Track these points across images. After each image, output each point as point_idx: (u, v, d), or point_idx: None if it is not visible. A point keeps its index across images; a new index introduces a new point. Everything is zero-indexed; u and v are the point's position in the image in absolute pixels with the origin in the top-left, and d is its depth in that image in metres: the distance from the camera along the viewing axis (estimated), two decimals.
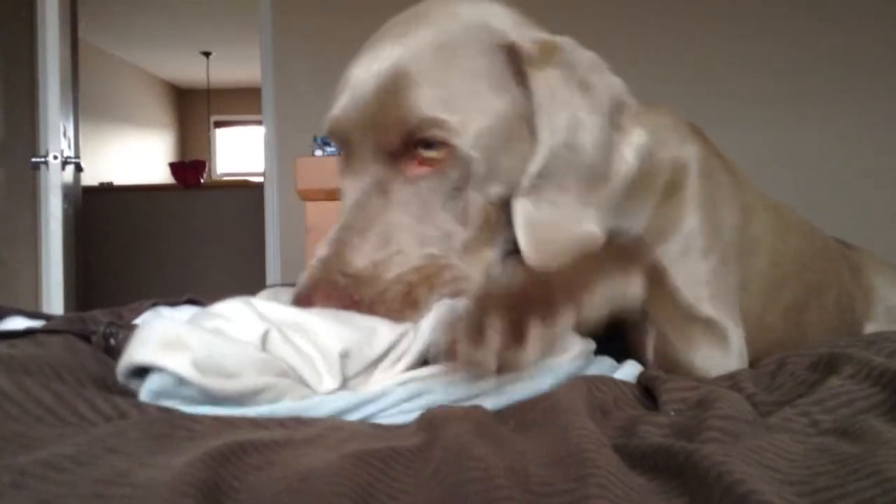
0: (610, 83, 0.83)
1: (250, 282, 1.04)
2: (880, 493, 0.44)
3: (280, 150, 3.58)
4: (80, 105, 3.68)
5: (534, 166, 0.78)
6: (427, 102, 0.75)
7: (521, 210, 0.78)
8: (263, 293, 1.00)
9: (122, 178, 7.02)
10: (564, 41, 0.82)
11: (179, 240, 5.44)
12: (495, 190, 0.78)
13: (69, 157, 3.14)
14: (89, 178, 5.31)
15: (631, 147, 0.82)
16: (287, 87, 3.57)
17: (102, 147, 7.15)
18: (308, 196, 2.10)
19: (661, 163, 0.91)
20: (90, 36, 6.24)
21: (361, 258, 0.75)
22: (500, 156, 0.78)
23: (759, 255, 1.03)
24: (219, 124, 9.43)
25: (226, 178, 8.94)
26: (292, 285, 1.13)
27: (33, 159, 3.04)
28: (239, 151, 9.42)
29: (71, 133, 3.31)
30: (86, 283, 4.13)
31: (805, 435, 0.58)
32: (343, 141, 0.81)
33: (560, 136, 0.78)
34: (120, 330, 0.84)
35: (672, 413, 0.64)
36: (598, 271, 0.76)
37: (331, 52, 3.64)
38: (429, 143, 0.76)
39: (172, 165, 6.86)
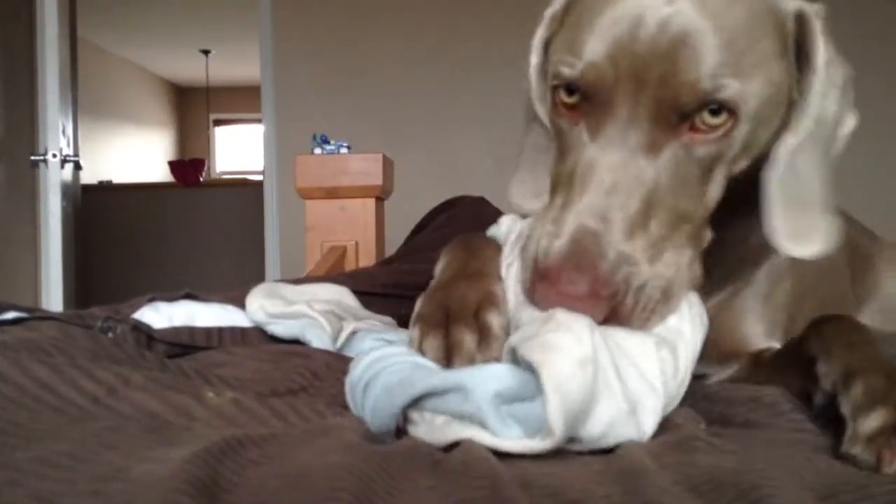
0: (845, 64, 0.77)
1: (250, 280, 1.04)
2: None
3: (279, 149, 3.58)
4: (79, 103, 3.67)
5: (795, 138, 0.72)
6: (722, 64, 0.65)
7: (778, 187, 0.73)
8: (260, 288, 1.00)
9: (121, 176, 7.02)
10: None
11: (179, 238, 5.43)
12: (741, 163, 0.72)
13: (68, 156, 3.14)
14: (88, 177, 5.29)
15: (848, 126, 0.78)
16: (286, 85, 3.57)
17: (102, 145, 7.14)
18: (307, 194, 2.09)
19: None
20: (89, 34, 6.22)
21: (630, 236, 0.64)
22: (764, 127, 0.71)
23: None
24: (218, 122, 9.41)
25: (225, 177, 8.92)
26: (288, 282, 1.14)
27: (32, 157, 3.04)
28: (238, 150, 9.41)
29: (70, 131, 3.30)
30: (85, 281, 4.12)
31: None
32: (604, 89, 0.67)
33: (816, 106, 0.73)
34: (118, 324, 0.84)
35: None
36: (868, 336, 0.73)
37: (331, 51, 3.65)
38: (715, 110, 0.67)
39: (172, 164, 6.86)
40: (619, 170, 0.66)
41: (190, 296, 1.00)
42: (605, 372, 0.55)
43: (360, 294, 1.10)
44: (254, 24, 3.79)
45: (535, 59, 0.82)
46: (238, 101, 8.96)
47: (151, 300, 0.99)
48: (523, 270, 0.68)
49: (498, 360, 0.64)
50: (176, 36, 7.27)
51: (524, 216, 0.83)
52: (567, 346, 0.54)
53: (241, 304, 0.98)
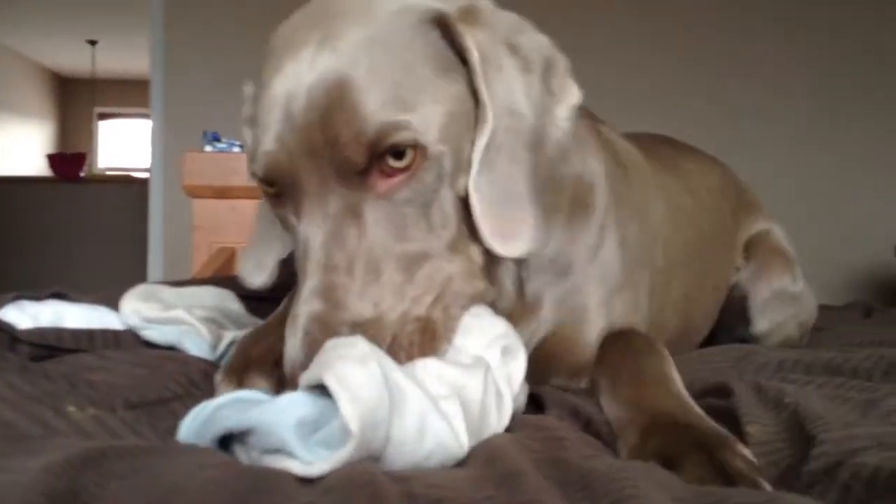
0: (538, 42, 0.76)
1: (131, 279, 0.98)
2: None
3: (167, 145, 3.45)
4: None
5: (483, 138, 0.70)
6: (382, 106, 0.65)
7: (476, 189, 0.70)
8: (135, 290, 0.94)
9: None
10: (482, 2, 0.75)
11: (56, 235, 5.22)
12: (462, 180, 0.71)
13: None
14: None
15: (564, 107, 0.76)
16: (177, 79, 3.45)
17: None
18: (195, 193, 2.03)
19: (564, 178, 0.87)
20: None
21: (360, 302, 0.63)
22: (462, 141, 0.70)
23: (656, 251, 1.02)
24: (103, 116, 9.09)
25: (109, 173, 8.59)
26: (170, 283, 1.08)
27: None
28: (124, 145, 9.09)
29: None
30: None
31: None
32: (287, 174, 0.67)
33: (501, 101, 0.71)
34: None
35: None
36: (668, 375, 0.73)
37: (224, 44, 3.55)
38: (396, 150, 0.66)
39: (51, 157, 6.60)
40: (330, 244, 0.65)
41: (58, 295, 0.94)
42: (392, 372, 0.55)
43: (247, 298, 1.06)
44: (144, 14, 3.65)
45: (248, 139, 0.79)
46: (125, 94, 8.70)
47: (16, 299, 0.92)
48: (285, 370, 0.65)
49: None
50: (61, 24, 6.96)
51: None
52: (343, 353, 0.55)
53: (114, 306, 0.93)
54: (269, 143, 0.67)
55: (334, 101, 0.64)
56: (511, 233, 0.71)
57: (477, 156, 0.70)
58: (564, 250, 0.87)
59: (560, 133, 0.75)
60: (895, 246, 2.97)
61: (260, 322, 0.87)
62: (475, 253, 0.72)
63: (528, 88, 0.73)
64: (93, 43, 7.52)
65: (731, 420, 0.65)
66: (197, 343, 0.85)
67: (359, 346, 0.56)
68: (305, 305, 0.63)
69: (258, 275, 0.85)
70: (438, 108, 0.67)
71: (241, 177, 1.99)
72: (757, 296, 1.26)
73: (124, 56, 7.72)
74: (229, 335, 0.89)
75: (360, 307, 0.63)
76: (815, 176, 3.42)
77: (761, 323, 1.25)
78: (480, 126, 0.71)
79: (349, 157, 0.64)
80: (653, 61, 3.36)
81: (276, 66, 0.68)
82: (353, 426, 0.50)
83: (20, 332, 0.83)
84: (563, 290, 0.87)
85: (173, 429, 0.56)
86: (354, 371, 0.52)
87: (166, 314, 0.88)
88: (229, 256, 1.97)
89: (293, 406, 0.53)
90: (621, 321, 0.88)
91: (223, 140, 2.44)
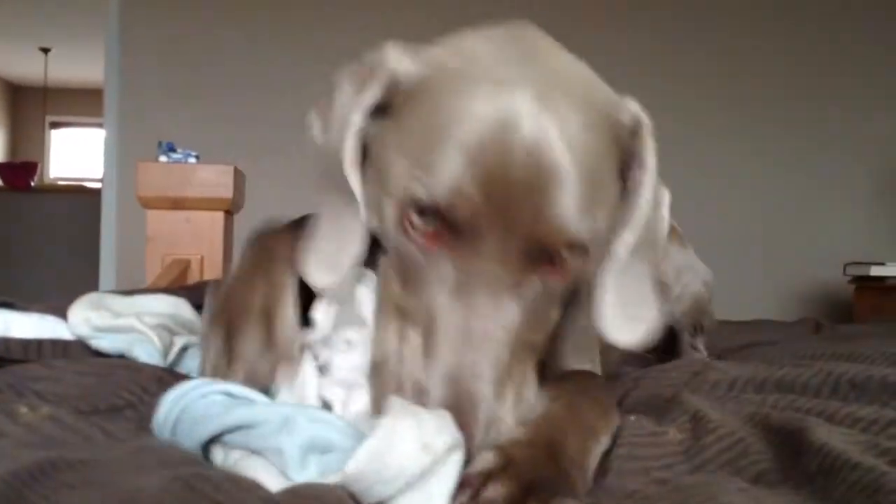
0: None
1: (83, 291, 0.95)
2: None
3: (121, 155, 3.39)
4: None
5: (632, 236, 0.71)
6: (584, 201, 0.62)
7: (614, 279, 0.71)
8: (85, 298, 0.92)
9: None
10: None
11: (4, 245, 5.08)
12: None
13: None
14: None
15: (665, 207, 0.78)
16: (132, 88, 3.39)
17: None
18: (149, 204, 1.99)
19: None
20: None
21: (497, 396, 0.60)
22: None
23: None
24: (55, 125, 8.90)
25: (60, 183, 8.41)
26: (118, 293, 1.06)
27: None
28: (76, 155, 8.90)
29: None
30: None
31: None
32: (467, 222, 0.61)
33: (649, 206, 0.72)
34: None
35: None
36: (594, 430, 0.69)
37: (181, 53, 3.50)
38: (573, 247, 0.63)
39: (0, 166, 6.42)
40: (489, 315, 0.61)
41: (5, 304, 0.91)
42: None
43: (201, 308, 1.04)
44: (99, 22, 3.60)
45: (357, 118, 0.69)
46: (78, 103, 8.52)
47: None
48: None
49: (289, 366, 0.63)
50: (12, 31, 6.81)
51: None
52: (423, 417, 0.53)
53: (63, 316, 0.91)
54: (465, 175, 0.60)
55: (554, 177, 0.61)
56: (631, 325, 0.73)
57: (624, 254, 0.71)
58: None
59: (665, 230, 0.78)
60: (844, 264, 3.04)
61: None
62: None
63: (660, 195, 0.75)
64: (46, 51, 7.38)
65: None
66: (147, 350, 0.83)
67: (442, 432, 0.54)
68: (448, 370, 0.59)
69: (328, 274, 0.75)
70: (607, 215, 0.67)
71: (198, 188, 1.96)
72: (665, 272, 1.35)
73: (77, 64, 7.57)
74: (181, 340, 0.87)
75: (498, 398, 0.60)
76: (767, 195, 3.50)
77: (674, 289, 1.35)
78: (631, 225, 0.71)
79: (549, 237, 0.62)
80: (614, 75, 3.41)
81: (469, 89, 0.63)
82: (353, 466, 0.49)
83: None
84: None
85: (126, 434, 0.55)
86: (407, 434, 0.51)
87: (117, 322, 0.86)
88: (183, 268, 1.94)
89: (302, 426, 0.53)
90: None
91: (178, 150, 2.40)
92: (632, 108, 0.72)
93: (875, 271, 2.90)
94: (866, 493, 0.50)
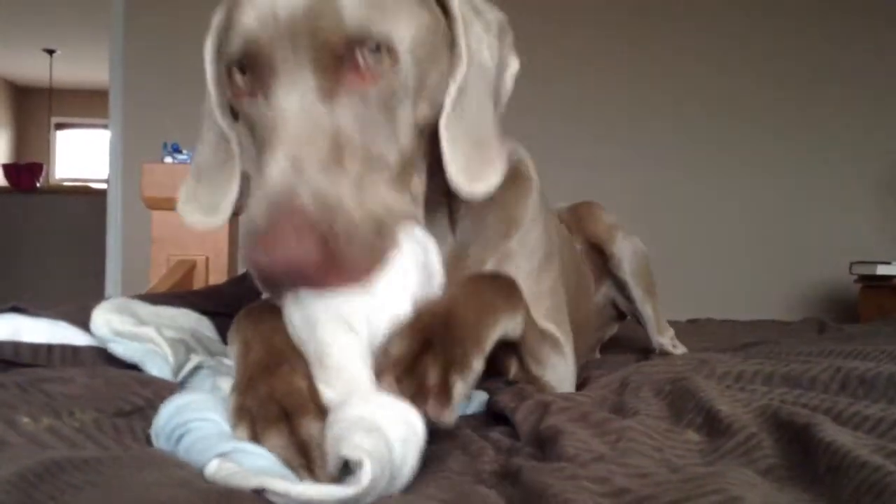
0: (494, 12, 0.84)
1: (88, 292, 0.95)
2: None
3: (126, 156, 3.40)
4: None
5: (457, 80, 0.77)
6: (364, 9, 0.69)
7: (446, 127, 0.77)
8: (111, 301, 0.92)
9: None
10: None
11: (10, 246, 5.08)
12: (422, 109, 0.75)
13: None
14: None
15: (511, 73, 0.84)
16: (136, 89, 3.40)
17: None
18: (154, 205, 2.00)
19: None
20: None
21: (324, 176, 0.64)
22: (429, 70, 0.75)
23: (563, 250, 1.13)
24: (60, 126, 8.92)
25: (66, 184, 8.42)
26: (143, 299, 1.05)
27: None
28: (81, 156, 8.92)
29: None
30: None
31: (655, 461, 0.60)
32: (264, 53, 0.70)
33: (473, 51, 0.79)
34: None
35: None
36: (493, 306, 0.74)
37: (184, 55, 3.50)
38: (373, 49, 0.70)
39: (5, 167, 6.46)
40: (301, 116, 0.67)
41: (17, 309, 0.91)
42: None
43: (209, 314, 1.04)
44: (104, 24, 3.61)
45: (209, 68, 0.85)
46: (84, 104, 8.55)
47: None
48: (242, 244, 0.64)
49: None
50: (17, 33, 6.82)
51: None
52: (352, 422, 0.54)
53: (75, 321, 0.91)
54: (249, 20, 0.70)
55: None
56: (477, 174, 0.77)
57: (450, 96, 0.77)
58: (509, 211, 0.96)
59: (508, 95, 0.83)
60: (850, 263, 3.03)
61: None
62: (417, 185, 0.75)
63: (490, 47, 0.81)
64: (50, 52, 7.39)
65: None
66: (158, 364, 0.82)
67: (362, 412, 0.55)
68: (272, 172, 0.63)
69: (211, 216, 0.86)
70: (413, 24, 0.73)
71: None
72: (615, 249, 1.49)
73: (82, 66, 7.59)
74: (196, 359, 0.87)
75: (324, 183, 0.63)
76: (772, 194, 3.49)
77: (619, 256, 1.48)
78: (454, 70, 0.77)
79: (329, 40, 0.68)
80: (614, 77, 3.40)
81: None
82: (366, 480, 0.49)
83: None
84: (499, 252, 0.95)
85: (133, 438, 0.55)
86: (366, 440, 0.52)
87: (136, 329, 0.86)
88: (188, 269, 1.94)
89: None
90: (547, 297, 0.97)
91: (183, 151, 2.41)
92: None
93: (881, 270, 2.89)
94: (874, 493, 0.50)
